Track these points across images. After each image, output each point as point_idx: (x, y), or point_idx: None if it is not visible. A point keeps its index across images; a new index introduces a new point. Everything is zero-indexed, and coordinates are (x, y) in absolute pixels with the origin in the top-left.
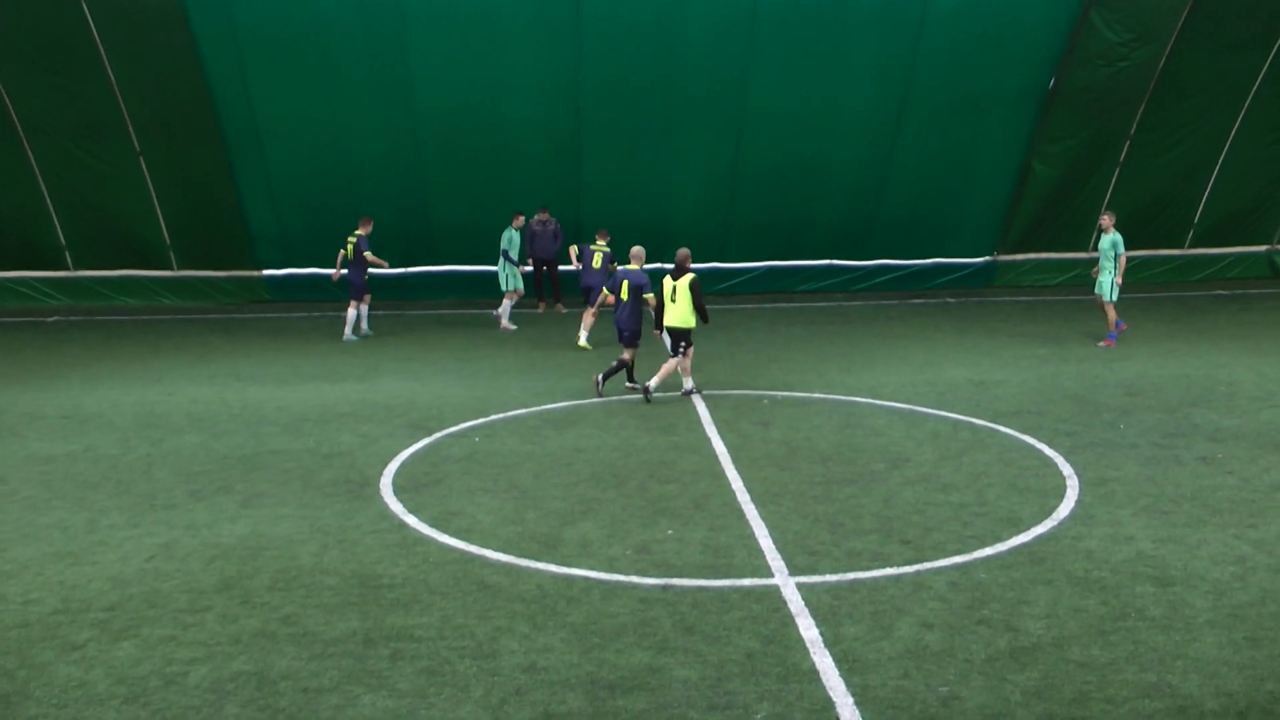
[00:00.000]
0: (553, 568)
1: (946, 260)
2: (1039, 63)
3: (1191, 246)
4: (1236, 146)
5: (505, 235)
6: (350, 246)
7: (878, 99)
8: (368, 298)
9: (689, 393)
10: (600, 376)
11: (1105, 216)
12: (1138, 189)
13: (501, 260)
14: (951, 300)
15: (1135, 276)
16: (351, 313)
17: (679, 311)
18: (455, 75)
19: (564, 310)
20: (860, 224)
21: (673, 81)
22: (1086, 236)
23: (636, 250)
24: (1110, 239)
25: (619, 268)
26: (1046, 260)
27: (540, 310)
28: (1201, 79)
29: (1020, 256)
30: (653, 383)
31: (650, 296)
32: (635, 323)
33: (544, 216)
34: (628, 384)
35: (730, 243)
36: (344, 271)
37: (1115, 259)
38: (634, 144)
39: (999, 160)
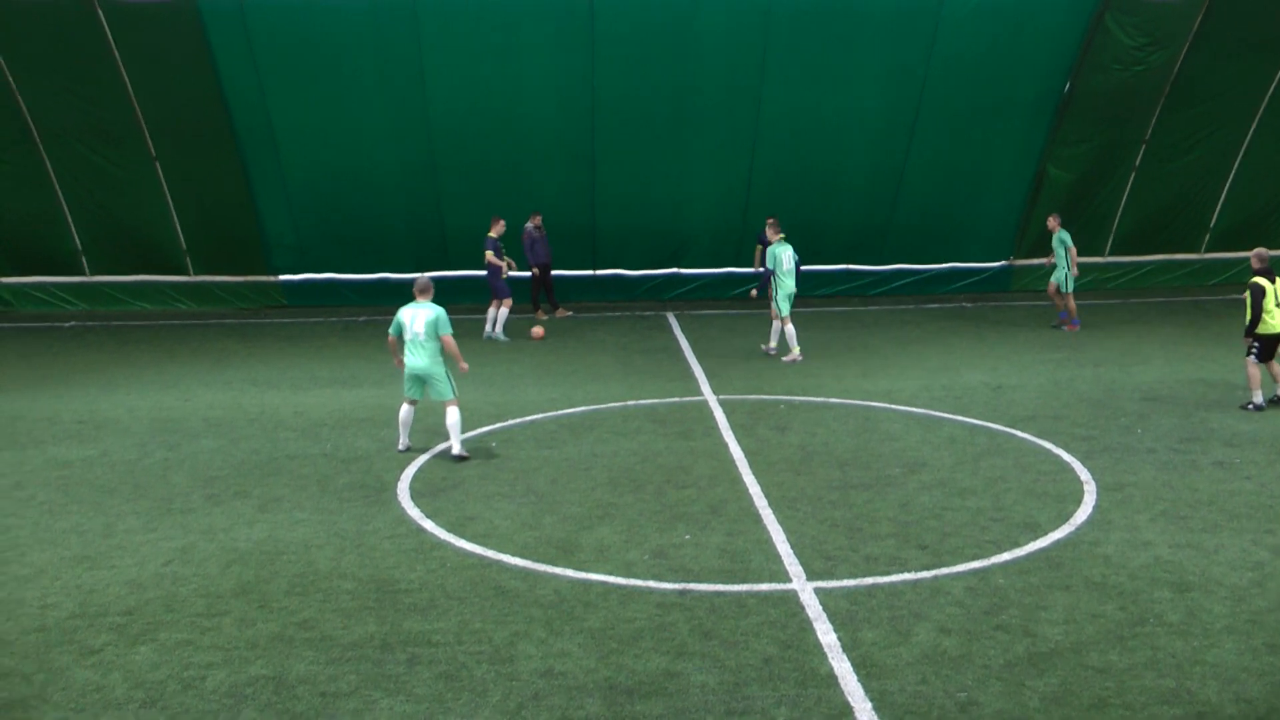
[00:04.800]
0: (570, 573)
1: (962, 265)
2: (1054, 67)
3: (1207, 251)
4: (1252, 150)
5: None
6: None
7: (893, 104)
8: (507, 300)
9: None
10: None
11: (1052, 219)
12: (1153, 193)
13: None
14: (968, 305)
15: (1152, 281)
16: (490, 312)
17: None
18: (469, 81)
19: (568, 313)
20: (876, 229)
21: (687, 87)
22: (1103, 241)
23: None
24: (1058, 237)
25: None
26: None
27: (542, 317)
28: (1216, 83)
29: (1036, 261)
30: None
31: None
32: None
33: (539, 222)
34: None
35: (746, 248)
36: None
37: (1065, 253)
38: (648, 149)
39: (1014, 165)
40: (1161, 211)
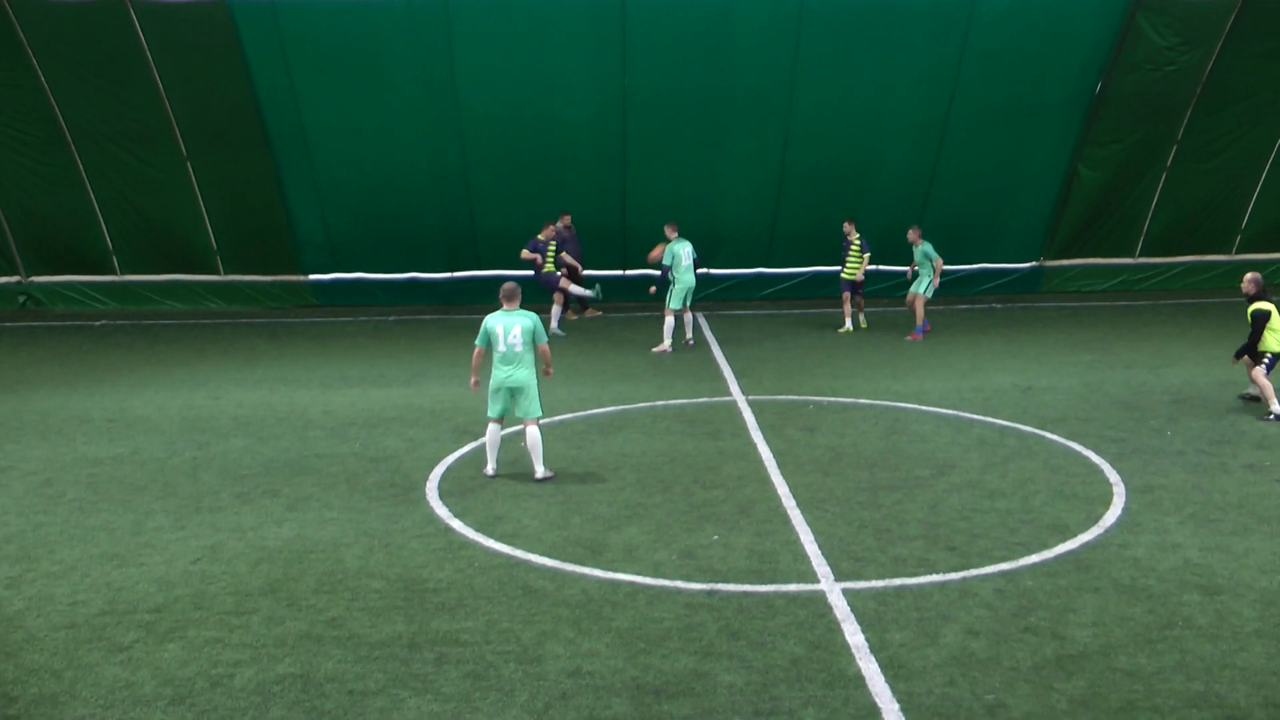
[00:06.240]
0: (598, 572)
1: (993, 266)
2: (1086, 67)
3: (1239, 252)
4: None
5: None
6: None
7: (925, 104)
8: (555, 296)
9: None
10: None
11: (912, 231)
12: (1185, 194)
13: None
14: (998, 306)
15: (1182, 283)
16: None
17: None
18: (502, 80)
19: (597, 314)
20: (907, 229)
21: (719, 86)
22: (1134, 242)
23: None
24: (921, 250)
25: None
26: (1093, 266)
27: (572, 318)
28: (1249, 83)
29: (1067, 262)
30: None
31: None
32: None
33: (568, 221)
34: None
35: (776, 247)
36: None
37: (931, 265)
38: (680, 149)
39: (1045, 165)
40: (1193, 213)
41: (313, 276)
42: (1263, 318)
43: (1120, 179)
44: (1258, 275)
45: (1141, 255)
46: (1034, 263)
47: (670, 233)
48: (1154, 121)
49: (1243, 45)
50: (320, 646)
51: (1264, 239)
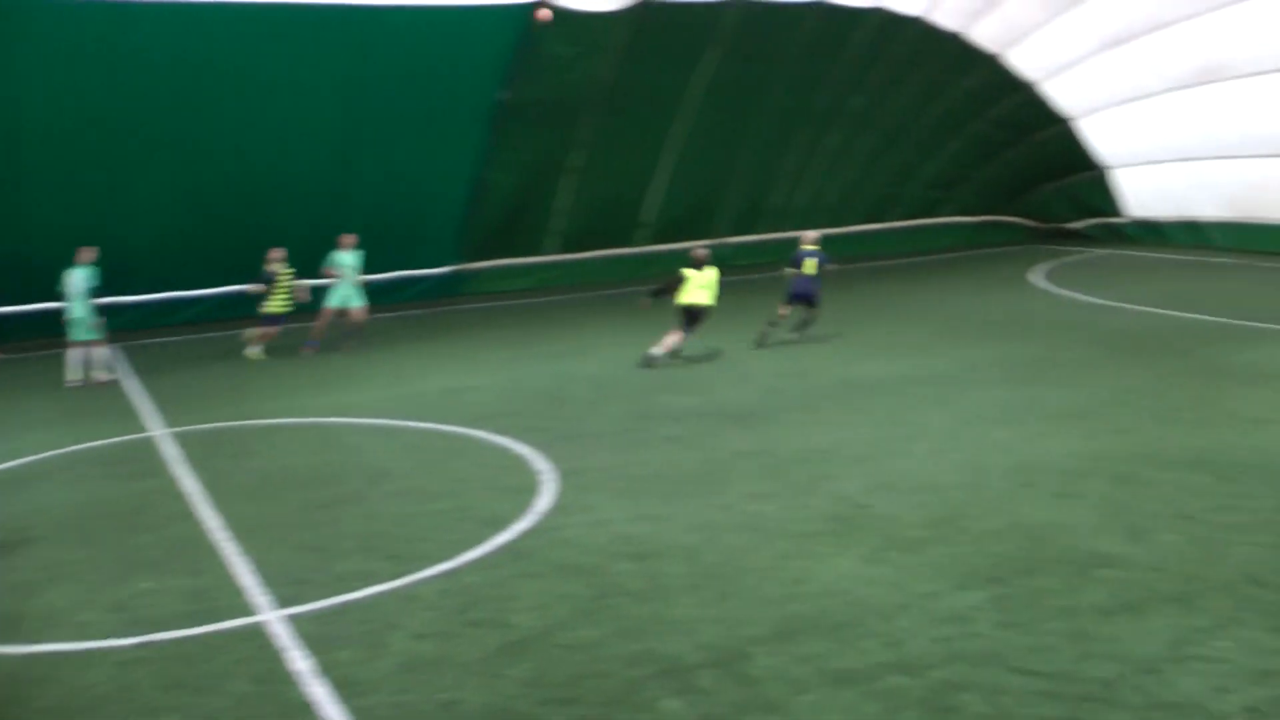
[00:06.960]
0: (16, 648)
1: (411, 273)
2: (490, 75)
3: (644, 245)
4: (681, 151)
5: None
6: None
7: (335, 114)
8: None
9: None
10: None
11: (347, 237)
12: (592, 192)
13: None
14: (418, 312)
15: (596, 276)
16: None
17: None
18: None
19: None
20: (327, 240)
21: (120, 105)
22: (548, 241)
23: None
24: (349, 258)
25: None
26: (510, 266)
27: None
28: (647, 90)
29: (485, 264)
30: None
31: None
32: None
33: None
34: None
35: (191, 267)
36: None
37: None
38: (82, 173)
39: (456, 171)
40: (600, 210)
41: None
42: (677, 278)
43: (530, 182)
44: (704, 251)
45: (556, 252)
46: (451, 267)
47: (85, 257)
48: (559, 126)
49: (640, 55)
50: None
51: (663, 231)
